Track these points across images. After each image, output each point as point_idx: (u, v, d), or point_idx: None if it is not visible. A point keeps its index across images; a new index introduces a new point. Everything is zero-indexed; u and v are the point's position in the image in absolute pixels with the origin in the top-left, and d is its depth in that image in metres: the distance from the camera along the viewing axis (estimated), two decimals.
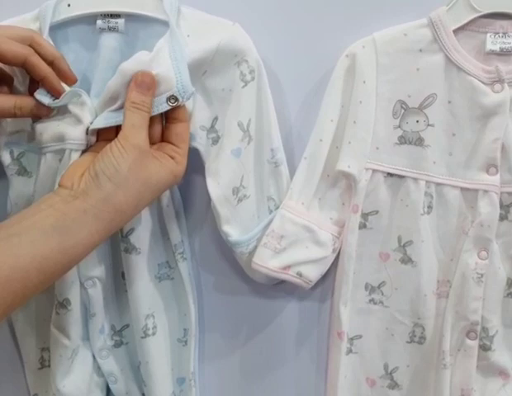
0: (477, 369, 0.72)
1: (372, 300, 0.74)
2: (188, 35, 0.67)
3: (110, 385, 0.77)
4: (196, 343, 0.77)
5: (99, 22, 0.67)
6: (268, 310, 0.79)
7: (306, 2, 0.71)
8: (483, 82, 0.68)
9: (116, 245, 0.72)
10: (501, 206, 0.70)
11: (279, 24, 0.71)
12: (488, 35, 0.68)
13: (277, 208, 0.72)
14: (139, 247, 0.71)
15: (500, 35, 0.68)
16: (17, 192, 0.72)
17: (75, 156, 0.64)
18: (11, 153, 0.71)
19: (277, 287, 0.77)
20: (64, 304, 0.71)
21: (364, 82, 0.69)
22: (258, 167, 0.72)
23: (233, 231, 0.71)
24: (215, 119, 0.70)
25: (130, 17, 0.67)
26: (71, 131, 0.64)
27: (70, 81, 0.63)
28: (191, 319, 0.76)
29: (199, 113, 0.70)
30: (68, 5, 0.66)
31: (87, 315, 0.73)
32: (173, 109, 0.61)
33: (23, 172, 0.72)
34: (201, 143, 0.70)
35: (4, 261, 0.50)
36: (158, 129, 0.63)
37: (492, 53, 0.68)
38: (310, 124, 0.71)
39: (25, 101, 0.61)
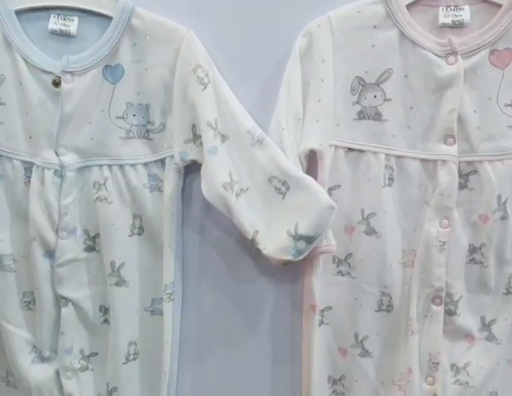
0: (444, 333, 0.75)
1: (339, 272, 0.76)
2: (146, 37, 0.72)
3: None
4: (171, 380, 0.80)
5: (51, 23, 0.71)
6: (244, 289, 0.81)
7: None
8: (437, 55, 0.70)
9: (103, 280, 0.77)
10: (460, 175, 0.72)
11: (235, 8, 0.73)
12: (440, 8, 0.70)
13: (283, 183, 0.69)
14: (128, 281, 0.77)
15: (452, 8, 0.70)
16: None
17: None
18: None
19: (254, 266, 0.80)
20: (29, 302, 0.79)
21: (323, 60, 0.71)
22: (244, 157, 0.72)
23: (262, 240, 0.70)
24: (194, 126, 0.72)
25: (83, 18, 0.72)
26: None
27: None
28: (165, 358, 0.78)
29: (181, 128, 0.73)
30: None
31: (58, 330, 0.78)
32: None
33: None
34: (196, 154, 0.73)
35: None
36: None
37: (445, 26, 0.70)
38: (271, 106, 0.73)
39: None
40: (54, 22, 0.73)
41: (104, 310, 0.79)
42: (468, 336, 0.76)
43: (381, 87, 0.71)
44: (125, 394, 0.79)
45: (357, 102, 0.72)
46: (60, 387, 0.79)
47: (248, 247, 0.75)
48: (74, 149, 0.74)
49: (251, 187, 0.71)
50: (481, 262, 0.74)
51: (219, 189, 0.69)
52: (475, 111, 0.71)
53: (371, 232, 0.74)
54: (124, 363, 0.78)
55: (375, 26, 0.70)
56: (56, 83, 0.72)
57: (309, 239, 0.68)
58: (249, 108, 0.73)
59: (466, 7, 0.69)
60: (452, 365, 0.76)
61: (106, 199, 0.75)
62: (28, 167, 0.75)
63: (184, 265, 0.80)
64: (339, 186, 0.74)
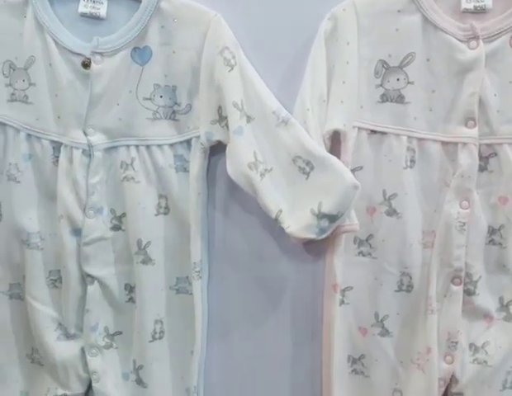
0: (463, 313, 0.76)
1: (360, 253, 0.78)
2: (174, 20, 0.73)
3: (92, 383, 0.82)
4: (201, 358, 0.81)
5: (81, 6, 0.74)
6: (267, 268, 0.83)
7: None
8: (459, 40, 0.72)
9: (128, 259, 0.79)
10: (480, 158, 0.74)
11: None
12: None
13: (307, 163, 0.71)
14: (154, 259, 0.78)
15: None
16: None
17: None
18: None
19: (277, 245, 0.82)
20: (55, 279, 0.81)
21: (348, 43, 0.73)
22: (269, 137, 0.73)
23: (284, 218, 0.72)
24: (220, 108, 0.74)
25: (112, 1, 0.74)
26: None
27: None
28: (197, 336, 0.79)
29: (208, 109, 0.74)
30: None
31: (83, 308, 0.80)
32: None
33: None
34: (221, 135, 0.74)
35: None
36: None
37: (467, 11, 0.72)
38: (296, 88, 0.74)
39: None
40: (84, 5, 0.74)
41: (129, 289, 0.81)
42: (487, 316, 0.77)
43: (404, 71, 0.73)
44: (151, 372, 0.80)
45: (381, 85, 0.74)
46: (85, 364, 0.81)
47: (272, 226, 0.77)
48: (102, 130, 0.76)
49: (275, 167, 0.73)
50: (500, 243, 0.75)
51: (244, 169, 0.71)
52: (495, 95, 0.72)
53: (392, 213, 0.75)
54: (150, 341, 0.79)
55: (399, 11, 0.72)
56: (85, 65, 0.74)
57: (332, 218, 0.69)
58: (275, 90, 0.74)
59: None
60: (471, 345, 0.77)
61: (133, 178, 0.76)
62: (56, 146, 0.77)
63: (208, 244, 0.81)
64: (362, 167, 0.75)
